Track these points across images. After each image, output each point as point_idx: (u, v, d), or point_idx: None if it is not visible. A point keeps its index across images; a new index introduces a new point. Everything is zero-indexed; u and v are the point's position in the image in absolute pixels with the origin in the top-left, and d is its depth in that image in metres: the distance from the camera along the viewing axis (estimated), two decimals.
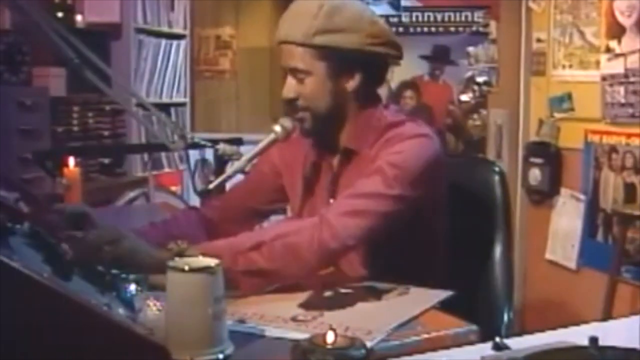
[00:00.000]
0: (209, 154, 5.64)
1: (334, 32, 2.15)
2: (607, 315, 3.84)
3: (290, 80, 2.19)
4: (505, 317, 2.37)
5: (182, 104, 6.33)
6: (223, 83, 7.40)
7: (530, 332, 1.58)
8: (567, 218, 4.54)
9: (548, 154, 4.64)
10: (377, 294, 1.94)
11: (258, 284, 1.94)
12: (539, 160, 4.70)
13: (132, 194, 4.82)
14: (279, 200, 2.52)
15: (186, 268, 1.43)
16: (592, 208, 4.36)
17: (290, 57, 2.17)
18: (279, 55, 2.24)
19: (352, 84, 2.21)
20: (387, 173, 2.09)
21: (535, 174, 4.71)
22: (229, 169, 2.20)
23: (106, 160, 5.25)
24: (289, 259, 1.96)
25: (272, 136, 2.22)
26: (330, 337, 1.27)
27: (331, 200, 2.28)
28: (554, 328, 1.61)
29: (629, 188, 4.12)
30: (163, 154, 5.88)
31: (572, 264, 4.48)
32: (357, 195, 2.08)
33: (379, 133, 2.22)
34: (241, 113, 7.39)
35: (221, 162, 4.69)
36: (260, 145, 2.23)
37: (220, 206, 2.47)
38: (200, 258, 1.51)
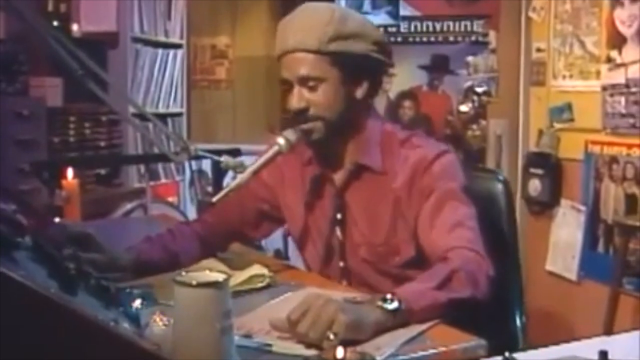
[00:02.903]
0: (206, 164, 5.62)
1: (346, 39, 2.15)
2: (609, 328, 3.82)
3: (300, 90, 2.15)
4: (514, 331, 2.35)
5: (179, 114, 6.32)
6: (219, 92, 7.40)
7: (531, 345, 1.56)
8: (567, 229, 4.53)
9: (548, 165, 4.63)
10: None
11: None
12: (538, 171, 4.68)
13: (129, 206, 4.80)
14: (266, 221, 2.49)
15: (194, 283, 1.41)
16: (593, 219, 4.35)
17: (302, 65, 2.14)
18: (278, 67, 2.21)
19: (360, 91, 2.21)
20: (460, 195, 2.15)
21: (535, 185, 4.70)
22: (232, 182, 2.16)
23: (102, 171, 5.23)
24: (470, 289, 1.92)
25: (275, 148, 2.19)
26: (339, 353, 1.25)
27: (338, 216, 2.27)
28: (555, 340, 1.60)
29: (630, 199, 4.11)
30: (160, 165, 5.87)
31: (573, 276, 4.47)
32: (468, 226, 2.10)
33: (393, 150, 2.23)
34: (237, 123, 7.38)
35: (219, 173, 4.66)
36: (264, 158, 2.19)
37: (211, 221, 2.47)
38: (207, 272, 1.49)
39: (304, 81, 2.15)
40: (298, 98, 2.16)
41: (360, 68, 2.20)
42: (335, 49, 2.14)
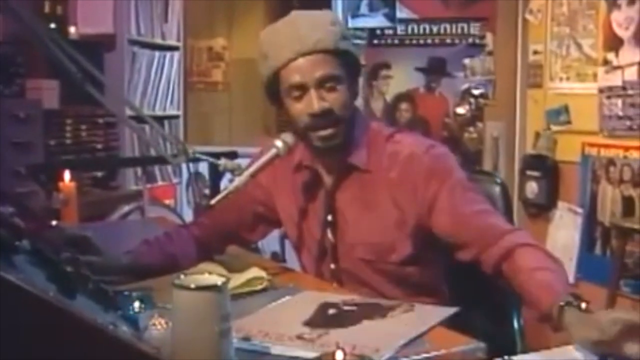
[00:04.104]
0: (203, 167, 5.64)
1: (347, 39, 2.19)
2: None
3: (319, 92, 2.11)
4: (512, 334, 2.35)
5: (176, 117, 6.32)
6: (216, 95, 7.39)
7: (529, 347, 1.56)
8: (564, 231, 4.52)
9: (545, 167, 4.63)
10: (382, 312, 1.90)
11: None
12: (535, 173, 4.68)
13: (126, 208, 4.79)
14: (262, 223, 2.48)
15: (192, 286, 1.40)
16: (590, 221, 4.35)
17: (322, 65, 2.11)
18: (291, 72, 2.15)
19: (356, 89, 2.24)
20: (467, 185, 2.18)
21: (532, 187, 4.69)
22: (230, 184, 2.16)
23: (99, 174, 5.23)
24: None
25: (273, 151, 2.19)
26: (339, 356, 1.24)
27: (329, 217, 2.26)
28: (553, 344, 1.60)
29: (627, 201, 4.11)
30: (156, 167, 5.87)
31: (570, 278, 4.46)
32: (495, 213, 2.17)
33: (379, 148, 2.22)
34: (234, 125, 7.38)
35: (216, 175, 4.64)
36: (262, 160, 2.19)
37: (208, 224, 2.46)
38: (206, 275, 1.48)
39: (322, 82, 2.12)
40: (319, 100, 2.11)
41: (357, 68, 2.23)
42: (344, 48, 2.15)
